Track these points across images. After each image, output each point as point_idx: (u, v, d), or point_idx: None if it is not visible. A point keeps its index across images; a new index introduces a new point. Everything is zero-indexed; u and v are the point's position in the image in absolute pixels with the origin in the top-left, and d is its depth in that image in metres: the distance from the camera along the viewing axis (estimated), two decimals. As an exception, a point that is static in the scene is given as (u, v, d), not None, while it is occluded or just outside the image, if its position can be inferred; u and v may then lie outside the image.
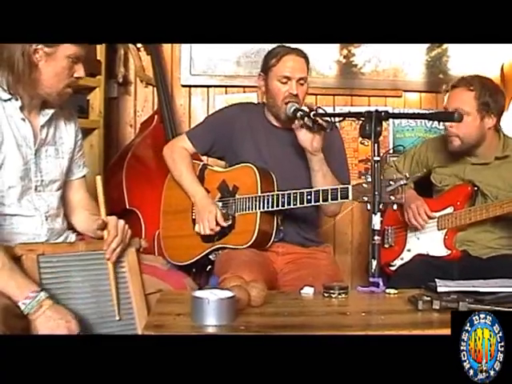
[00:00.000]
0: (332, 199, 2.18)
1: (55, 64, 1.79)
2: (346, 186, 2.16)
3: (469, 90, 2.44)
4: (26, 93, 1.80)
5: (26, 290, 1.61)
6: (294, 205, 2.26)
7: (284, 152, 2.48)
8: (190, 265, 2.49)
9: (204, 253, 2.47)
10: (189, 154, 2.57)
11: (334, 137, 2.55)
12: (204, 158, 2.80)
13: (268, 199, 2.31)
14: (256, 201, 2.34)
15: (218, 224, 2.39)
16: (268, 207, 2.31)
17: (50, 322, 1.61)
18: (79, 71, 1.86)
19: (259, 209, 2.33)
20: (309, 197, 2.23)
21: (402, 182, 1.97)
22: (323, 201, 2.21)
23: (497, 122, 2.50)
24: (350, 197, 2.12)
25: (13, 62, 1.73)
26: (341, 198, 2.17)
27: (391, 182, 1.97)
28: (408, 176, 2.01)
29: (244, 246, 2.34)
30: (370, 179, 1.99)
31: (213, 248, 2.45)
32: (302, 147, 2.37)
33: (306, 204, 2.24)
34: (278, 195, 2.30)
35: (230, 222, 2.42)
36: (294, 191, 2.28)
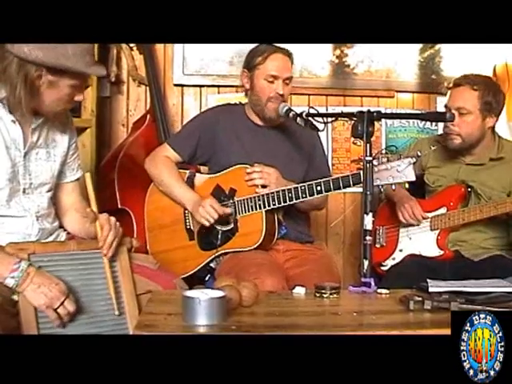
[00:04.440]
0: (344, 186, 2.18)
1: (58, 91, 1.77)
2: (358, 172, 2.16)
3: (472, 89, 2.44)
4: (24, 113, 1.76)
5: (8, 264, 1.64)
6: (303, 197, 2.24)
7: (271, 150, 2.47)
8: (187, 278, 2.37)
9: (205, 262, 2.40)
10: (173, 163, 2.50)
11: (314, 138, 2.59)
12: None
13: (273, 196, 2.27)
14: (259, 200, 2.30)
15: (216, 212, 2.30)
16: (275, 204, 2.27)
17: (40, 289, 1.65)
18: (79, 96, 1.85)
19: (265, 207, 2.29)
20: (318, 187, 2.22)
21: (412, 161, 2.00)
22: (335, 189, 2.20)
23: (495, 121, 2.52)
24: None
25: (14, 86, 1.69)
26: (353, 185, 2.17)
27: (400, 162, 2.01)
28: (419, 154, 2.02)
29: (252, 248, 2.30)
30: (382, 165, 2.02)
31: (216, 254, 2.38)
32: (288, 144, 2.34)
33: (316, 195, 2.23)
34: (284, 190, 2.26)
35: (231, 226, 2.36)
36: (302, 184, 2.25)
